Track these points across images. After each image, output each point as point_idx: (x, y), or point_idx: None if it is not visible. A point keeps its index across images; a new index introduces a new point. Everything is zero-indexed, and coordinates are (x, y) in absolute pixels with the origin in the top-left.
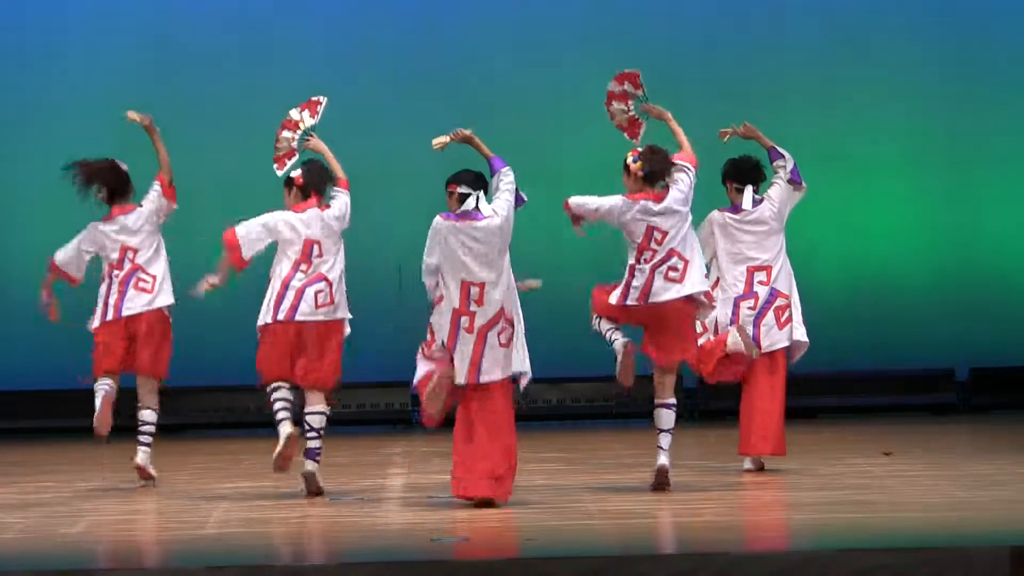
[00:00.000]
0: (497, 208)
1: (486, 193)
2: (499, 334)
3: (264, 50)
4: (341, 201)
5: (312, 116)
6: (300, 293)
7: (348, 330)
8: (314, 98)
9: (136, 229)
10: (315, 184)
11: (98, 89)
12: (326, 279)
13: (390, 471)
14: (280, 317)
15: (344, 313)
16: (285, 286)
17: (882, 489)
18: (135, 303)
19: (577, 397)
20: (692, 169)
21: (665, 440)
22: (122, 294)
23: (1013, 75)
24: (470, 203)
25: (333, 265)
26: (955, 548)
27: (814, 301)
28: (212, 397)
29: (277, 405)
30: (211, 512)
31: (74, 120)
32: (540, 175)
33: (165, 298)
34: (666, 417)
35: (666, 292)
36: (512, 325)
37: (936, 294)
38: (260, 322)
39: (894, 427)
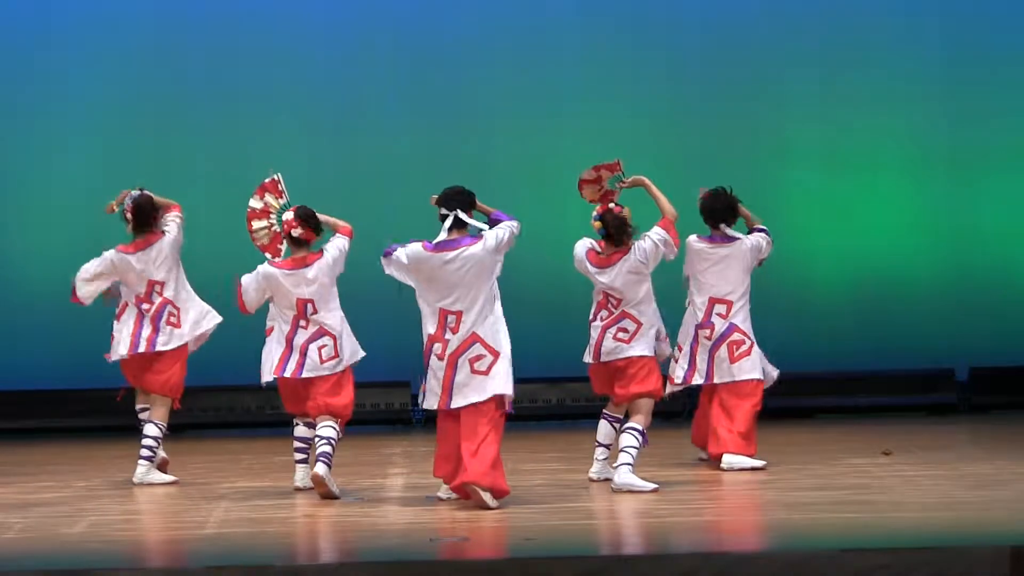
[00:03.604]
0: (487, 236)
1: (466, 211)
2: (472, 361)
3: (265, 50)
4: (334, 246)
5: (278, 197)
6: (304, 350)
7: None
8: (267, 180)
9: (159, 262)
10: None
11: (98, 90)
12: (329, 333)
13: (390, 471)
14: (287, 374)
15: (351, 359)
16: (289, 343)
17: (882, 489)
18: (170, 338)
19: (577, 397)
20: (662, 235)
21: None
22: (156, 329)
23: (1014, 75)
24: (447, 225)
25: (332, 315)
26: (955, 548)
27: (814, 301)
28: (212, 397)
29: (295, 444)
30: (211, 512)
31: (74, 121)
32: (539, 176)
33: (193, 329)
34: (624, 438)
35: (614, 352)
36: (494, 354)
37: (936, 294)
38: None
39: (894, 427)
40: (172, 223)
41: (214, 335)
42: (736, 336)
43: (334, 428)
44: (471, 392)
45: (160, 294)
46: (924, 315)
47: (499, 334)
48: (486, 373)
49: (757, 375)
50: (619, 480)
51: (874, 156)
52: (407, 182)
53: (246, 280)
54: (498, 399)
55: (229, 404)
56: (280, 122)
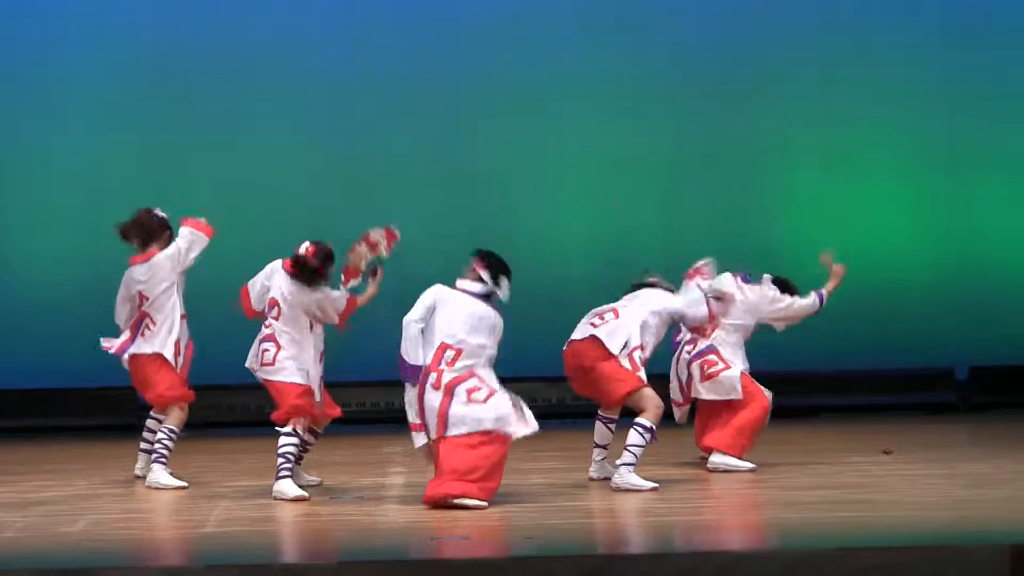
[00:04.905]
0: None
1: (497, 283)
2: (470, 391)
3: (264, 49)
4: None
5: (387, 250)
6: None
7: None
8: (395, 231)
9: (148, 277)
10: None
11: (98, 91)
12: (275, 340)
13: (390, 470)
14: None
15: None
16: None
17: (881, 488)
18: (135, 346)
19: (577, 396)
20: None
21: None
22: (132, 337)
23: (1013, 75)
24: (479, 288)
25: (284, 331)
26: (954, 547)
27: None
28: (212, 396)
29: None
30: (211, 511)
31: (75, 121)
32: (539, 174)
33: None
34: (629, 435)
35: (578, 331)
36: (491, 390)
37: (935, 293)
38: None
39: (893, 426)
40: (181, 239)
41: (215, 334)
42: (711, 357)
43: (287, 434)
44: (465, 421)
45: (140, 306)
46: (924, 314)
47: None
48: (483, 402)
49: (730, 396)
50: (619, 479)
51: (874, 156)
52: (406, 181)
53: (252, 281)
54: (496, 435)
55: (229, 403)
56: (280, 121)
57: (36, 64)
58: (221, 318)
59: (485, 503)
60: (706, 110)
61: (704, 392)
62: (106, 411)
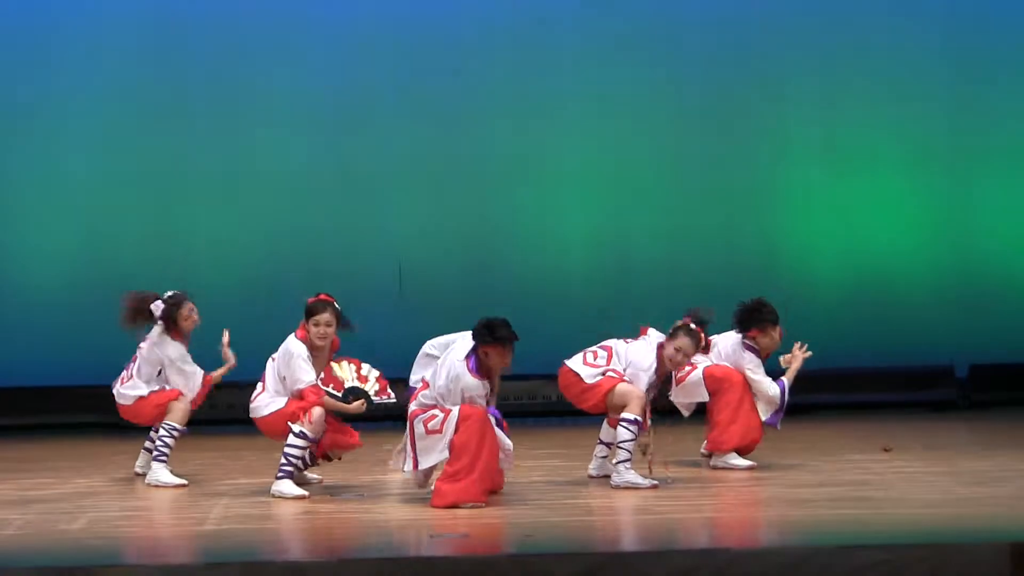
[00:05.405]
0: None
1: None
2: (426, 421)
3: (265, 50)
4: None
5: (380, 394)
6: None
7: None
8: (388, 388)
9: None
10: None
11: (98, 89)
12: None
13: (390, 467)
14: None
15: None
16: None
17: (881, 486)
18: (119, 390)
19: None
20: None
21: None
22: (121, 376)
23: (1014, 73)
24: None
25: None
26: (954, 545)
27: (815, 299)
28: (212, 393)
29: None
30: (211, 508)
31: (74, 120)
32: (540, 175)
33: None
34: (618, 432)
35: (575, 359)
36: (445, 412)
37: (936, 291)
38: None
39: (894, 424)
40: (175, 374)
41: (214, 332)
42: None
43: (296, 435)
44: (431, 454)
45: (140, 348)
46: (924, 312)
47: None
48: (439, 432)
49: (696, 399)
50: (618, 477)
51: (874, 155)
52: (407, 182)
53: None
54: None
55: (229, 400)
56: (280, 122)
57: (36, 64)
58: (222, 316)
59: (482, 503)
60: (706, 110)
61: (674, 396)
62: (106, 409)
